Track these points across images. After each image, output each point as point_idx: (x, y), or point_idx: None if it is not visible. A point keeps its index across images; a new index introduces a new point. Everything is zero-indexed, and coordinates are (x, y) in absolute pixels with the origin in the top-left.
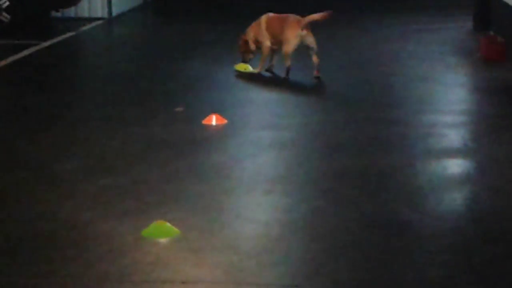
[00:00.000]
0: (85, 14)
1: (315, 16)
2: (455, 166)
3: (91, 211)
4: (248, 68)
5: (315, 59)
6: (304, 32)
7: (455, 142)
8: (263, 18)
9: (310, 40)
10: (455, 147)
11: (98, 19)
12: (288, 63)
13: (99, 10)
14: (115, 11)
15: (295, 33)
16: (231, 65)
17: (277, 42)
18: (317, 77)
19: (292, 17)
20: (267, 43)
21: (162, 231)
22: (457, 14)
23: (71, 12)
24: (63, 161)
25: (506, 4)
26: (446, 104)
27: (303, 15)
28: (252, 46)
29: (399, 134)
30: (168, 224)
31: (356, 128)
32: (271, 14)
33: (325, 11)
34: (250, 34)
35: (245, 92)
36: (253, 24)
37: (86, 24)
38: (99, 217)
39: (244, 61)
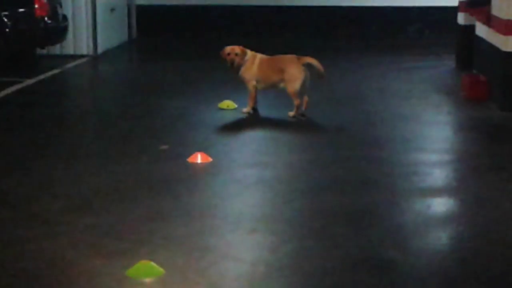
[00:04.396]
0: (71, 51)
1: (313, 60)
2: (440, 205)
3: (75, 251)
4: (232, 105)
5: (305, 97)
6: (305, 68)
7: (439, 181)
8: (257, 58)
9: (307, 78)
10: (440, 186)
11: (84, 56)
12: (297, 101)
13: (85, 48)
14: (100, 48)
15: (299, 69)
16: (215, 103)
17: (269, 84)
18: (303, 115)
19: (289, 55)
20: (253, 82)
21: (146, 271)
22: (440, 53)
23: (56, 49)
24: (46, 199)
25: (489, 43)
26: (430, 143)
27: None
28: (238, 60)
29: (383, 173)
30: (153, 264)
31: (341, 166)
32: (264, 56)
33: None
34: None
35: (230, 130)
36: (249, 56)
37: (71, 62)
38: (83, 257)
39: (231, 62)
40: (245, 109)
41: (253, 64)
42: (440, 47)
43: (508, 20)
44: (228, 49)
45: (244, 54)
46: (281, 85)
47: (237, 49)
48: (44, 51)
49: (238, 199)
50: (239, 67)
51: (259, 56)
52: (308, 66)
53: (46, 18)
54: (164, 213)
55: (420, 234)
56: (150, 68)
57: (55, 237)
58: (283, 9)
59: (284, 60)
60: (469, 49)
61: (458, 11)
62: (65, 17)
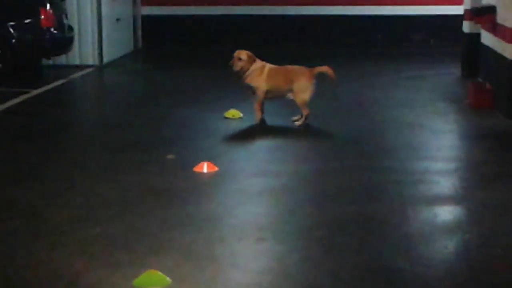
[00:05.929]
0: (76, 61)
1: (324, 69)
2: (446, 213)
3: (82, 261)
4: (237, 114)
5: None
6: (314, 80)
7: (446, 189)
8: (267, 68)
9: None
10: (446, 194)
11: (89, 66)
12: (306, 111)
13: (90, 58)
14: (106, 58)
15: (310, 81)
16: (221, 112)
17: (278, 93)
18: (300, 123)
19: (300, 67)
20: (263, 89)
21: (153, 280)
22: (445, 61)
23: (62, 59)
24: (53, 209)
25: (494, 52)
26: (436, 151)
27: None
28: (247, 66)
29: (390, 181)
30: (160, 273)
31: (347, 175)
32: (273, 66)
33: (331, 68)
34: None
35: (236, 139)
36: (258, 65)
37: (77, 72)
38: (89, 267)
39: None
40: (257, 118)
41: (262, 74)
42: (445, 55)
43: None
44: (235, 53)
45: (252, 60)
46: (289, 95)
47: (242, 54)
48: (50, 62)
49: (245, 208)
50: (242, 72)
51: (268, 66)
52: (321, 74)
53: (52, 29)
54: (170, 222)
55: (427, 242)
56: (155, 78)
57: (62, 246)
58: (288, 19)
59: (295, 71)
60: (474, 57)
61: (464, 20)
62: (71, 28)
